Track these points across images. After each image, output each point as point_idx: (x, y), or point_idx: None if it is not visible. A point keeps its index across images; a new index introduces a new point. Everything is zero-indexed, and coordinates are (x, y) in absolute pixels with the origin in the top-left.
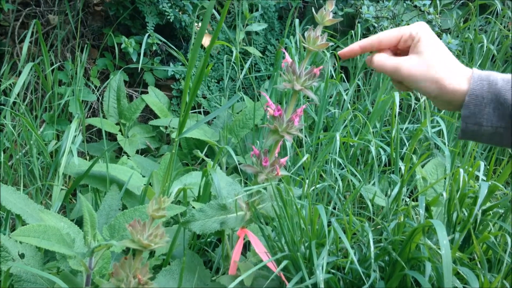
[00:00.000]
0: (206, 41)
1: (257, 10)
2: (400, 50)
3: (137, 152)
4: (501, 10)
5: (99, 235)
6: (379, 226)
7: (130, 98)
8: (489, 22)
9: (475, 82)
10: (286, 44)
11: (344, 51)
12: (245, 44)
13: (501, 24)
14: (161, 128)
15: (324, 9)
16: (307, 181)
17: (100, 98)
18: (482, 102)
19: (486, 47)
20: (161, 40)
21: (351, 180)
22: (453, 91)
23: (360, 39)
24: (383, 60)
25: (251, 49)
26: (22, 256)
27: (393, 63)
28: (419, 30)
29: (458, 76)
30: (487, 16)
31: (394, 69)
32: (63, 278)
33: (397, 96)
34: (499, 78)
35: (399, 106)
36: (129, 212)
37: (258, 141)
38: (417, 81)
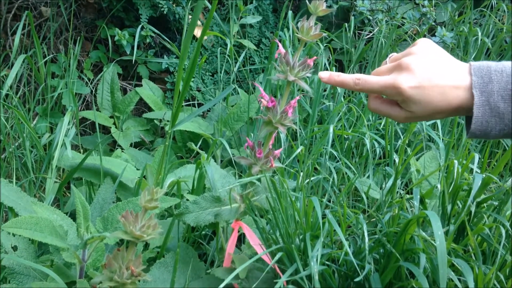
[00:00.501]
0: (198, 32)
1: (251, 2)
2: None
3: (131, 145)
4: (496, 3)
5: (92, 227)
6: (373, 219)
7: (124, 91)
8: (484, 15)
9: (477, 108)
10: (280, 36)
11: (325, 76)
12: (239, 37)
13: (495, 17)
14: (155, 121)
15: None
16: (301, 173)
17: (94, 91)
18: (487, 126)
19: (481, 40)
20: (155, 33)
21: (346, 173)
22: (458, 105)
23: (354, 32)
24: (374, 107)
25: (245, 42)
26: (15, 248)
27: (386, 113)
28: (400, 95)
29: (454, 111)
30: (482, 9)
31: (389, 117)
32: (56, 270)
33: None
34: (499, 98)
35: None
36: (123, 204)
37: (252, 134)
38: (416, 120)
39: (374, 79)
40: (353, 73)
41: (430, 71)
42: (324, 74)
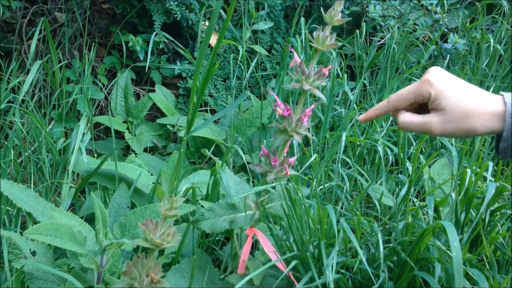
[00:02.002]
0: (212, 39)
1: (263, 8)
2: (416, 105)
3: (144, 150)
4: (508, 9)
5: (110, 233)
6: (387, 226)
7: (137, 96)
8: (496, 22)
9: (509, 118)
10: (292, 43)
11: (362, 117)
12: (251, 43)
13: (508, 23)
14: (168, 126)
15: (333, 8)
16: (314, 180)
17: (108, 96)
18: None
19: (493, 47)
20: (168, 39)
21: (359, 180)
22: (486, 132)
23: (365, 38)
24: (407, 121)
25: (257, 48)
26: (33, 253)
27: (420, 123)
28: (431, 88)
29: (491, 118)
30: (494, 16)
31: (423, 129)
32: (74, 275)
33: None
34: None
35: None
36: (140, 211)
37: (265, 140)
38: (451, 135)
39: (403, 89)
40: (365, 78)
41: (458, 81)
42: (361, 117)
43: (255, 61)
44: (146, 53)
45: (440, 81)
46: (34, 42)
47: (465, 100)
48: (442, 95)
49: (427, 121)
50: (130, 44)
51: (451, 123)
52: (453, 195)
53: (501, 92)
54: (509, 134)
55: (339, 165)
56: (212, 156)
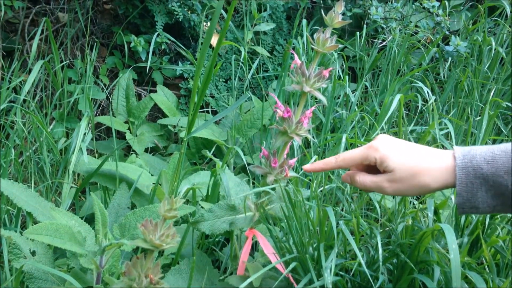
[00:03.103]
0: (214, 40)
1: (265, 10)
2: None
3: (145, 150)
4: (510, 12)
5: (110, 234)
6: (386, 228)
7: (139, 96)
8: (498, 25)
9: (460, 171)
10: (293, 44)
11: (308, 167)
12: (253, 44)
13: (510, 26)
14: (169, 127)
15: (334, 11)
16: (314, 182)
17: (109, 97)
18: (472, 188)
19: (495, 49)
20: (170, 39)
21: None
22: (440, 187)
23: (367, 40)
24: (361, 180)
25: (259, 49)
26: (33, 253)
27: (373, 182)
28: (376, 153)
29: (442, 173)
30: (496, 19)
31: (377, 188)
32: (73, 275)
33: (397, 97)
34: (481, 161)
35: (407, 107)
36: (140, 211)
37: (265, 141)
38: (405, 194)
39: (351, 151)
40: (367, 80)
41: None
42: (307, 167)
43: (256, 62)
44: (148, 53)
45: (385, 146)
46: (36, 42)
47: (412, 159)
48: (388, 158)
49: (378, 180)
50: (132, 44)
51: (402, 182)
52: (453, 197)
53: (454, 146)
54: (463, 189)
55: None
56: (212, 157)
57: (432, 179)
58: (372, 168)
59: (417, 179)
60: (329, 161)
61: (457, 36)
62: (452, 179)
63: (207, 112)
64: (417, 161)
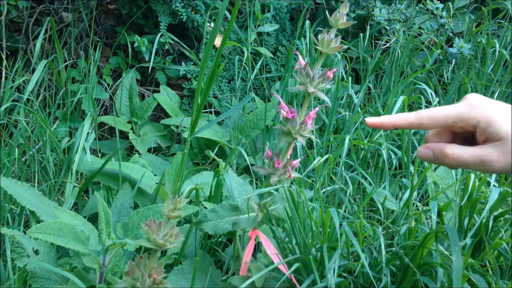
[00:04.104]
0: (217, 41)
1: (269, 11)
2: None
3: (148, 150)
4: None
5: (113, 233)
6: (389, 230)
7: (142, 96)
8: (502, 27)
9: None
10: (297, 45)
11: (372, 120)
12: (256, 45)
13: None
14: (172, 127)
15: (338, 12)
16: (318, 183)
17: (113, 96)
18: None
19: (499, 51)
20: (173, 40)
21: (361, 183)
22: None
23: (370, 42)
24: (461, 152)
25: (262, 50)
26: (36, 252)
27: (477, 157)
28: (477, 112)
29: None
30: (500, 21)
31: (481, 164)
32: (76, 274)
33: (400, 99)
34: None
35: (410, 109)
36: (143, 211)
37: (268, 142)
38: None
39: (437, 109)
40: (370, 82)
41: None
42: (371, 121)
43: (260, 63)
44: (151, 53)
45: (487, 105)
46: (39, 42)
47: None
48: (495, 121)
49: (483, 153)
50: (135, 44)
51: None
52: (457, 200)
53: None
54: None
55: (343, 168)
56: (215, 157)
57: None
58: (460, 137)
59: None
60: (407, 116)
61: (460, 38)
62: None
63: (210, 112)
64: None
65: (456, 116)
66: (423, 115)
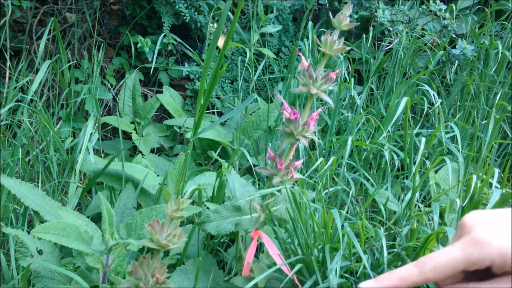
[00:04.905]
0: (220, 42)
1: (271, 12)
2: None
3: (151, 151)
4: None
5: (116, 234)
6: (391, 231)
7: (145, 97)
8: (505, 28)
9: None
10: (299, 46)
11: (369, 284)
12: (259, 46)
13: None
14: (175, 127)
15: (341, 13)
16: (320, 184)
17: (116, 97)
18: None
19: (502, 53)
20: (176, 40)
21: (364, 184)
22: None
23: (373, 43)
24: None
25: (265, 51)
26: (40, 252)
27: None
28: (491, 251)
29: None
30: (503, 22)
31: None
32: (80, 274)
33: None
34: None
35: (413, 110)
36: (146, 212)
37: (270, 143)
38: None
39: (440, 255)
40: (372, 83)
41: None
42: (367, 284)
43: (262, 64)
44: (155, 54)
45: (496, 234)
46: (43, 42)
47: None
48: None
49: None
50: (139, 45)
51: None
52: (459, 201)
53: None
54: None
55: (345, 169)
56: (218, 158)
57: None
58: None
59: None
60: (408, 274)
61: (463, 40)
62: None
63: (213, 113)
64: None
65: (466, 262)
66: (427, 268)
